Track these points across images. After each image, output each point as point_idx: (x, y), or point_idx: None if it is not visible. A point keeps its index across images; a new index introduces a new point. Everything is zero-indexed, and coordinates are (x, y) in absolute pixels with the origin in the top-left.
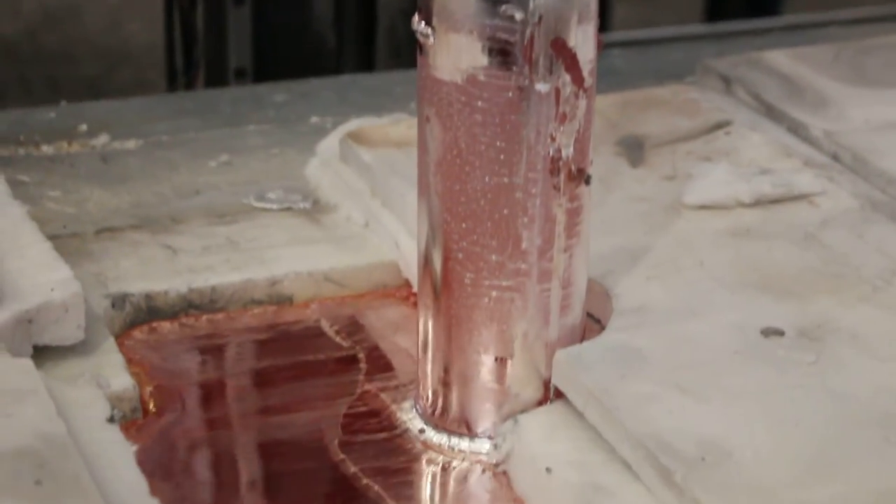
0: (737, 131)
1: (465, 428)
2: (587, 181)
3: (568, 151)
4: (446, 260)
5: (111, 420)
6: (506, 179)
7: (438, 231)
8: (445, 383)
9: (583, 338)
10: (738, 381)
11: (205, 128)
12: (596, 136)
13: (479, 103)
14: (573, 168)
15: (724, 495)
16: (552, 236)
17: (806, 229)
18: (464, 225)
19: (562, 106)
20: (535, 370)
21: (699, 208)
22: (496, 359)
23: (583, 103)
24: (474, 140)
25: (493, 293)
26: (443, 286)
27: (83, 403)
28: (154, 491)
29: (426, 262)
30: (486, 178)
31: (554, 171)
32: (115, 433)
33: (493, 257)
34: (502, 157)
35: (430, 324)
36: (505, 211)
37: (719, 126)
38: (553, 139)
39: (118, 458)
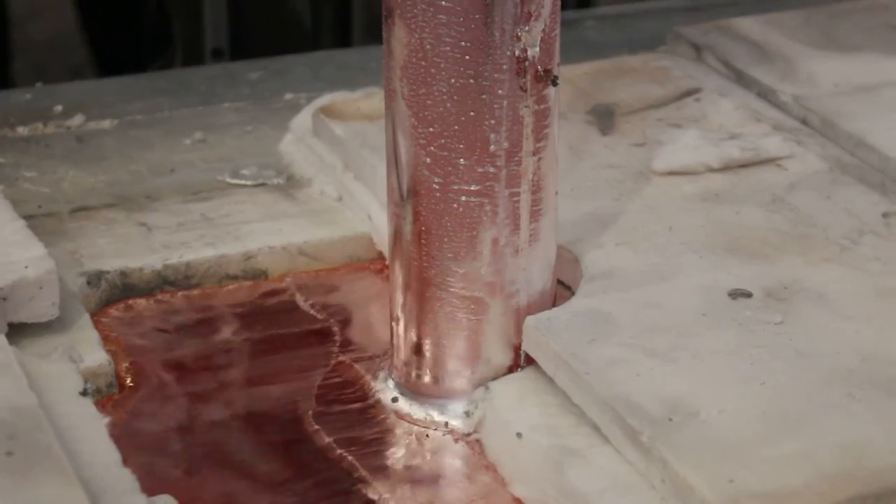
0: (706, 97)
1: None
2: (554, 82)
3: (534, 52)
4: (415, 167)
5: (84, 393)
6: (472, 81)
7: (406, 137)
8: (418, 348)
9: (553, 304)
10: (705, 342)
11: (179, 106)
12: (567, 104)
13: (443, 2)
14: (540, 69)
15: (690, 454)
16: (520, 139)
17: (774, 192)
18: (431, 129)
19: (526, 5)
20: (504, 276)
21: (668, 174)
22: (465, 272)
23: (548, 2)
24: (439, 41)
25: (463, 198)
26: (412, 194)
27: (56, 377)
28: (127, 462)
29: (396, 172)
30: (452, 80)
31: (520, 72)
32: (87, 406)
33: (462, 161)
34: (467, 57)
35: (400, 251)
36: (472, 113)
37: (689, 93)
38: (518, 39)
39: (90, 430)
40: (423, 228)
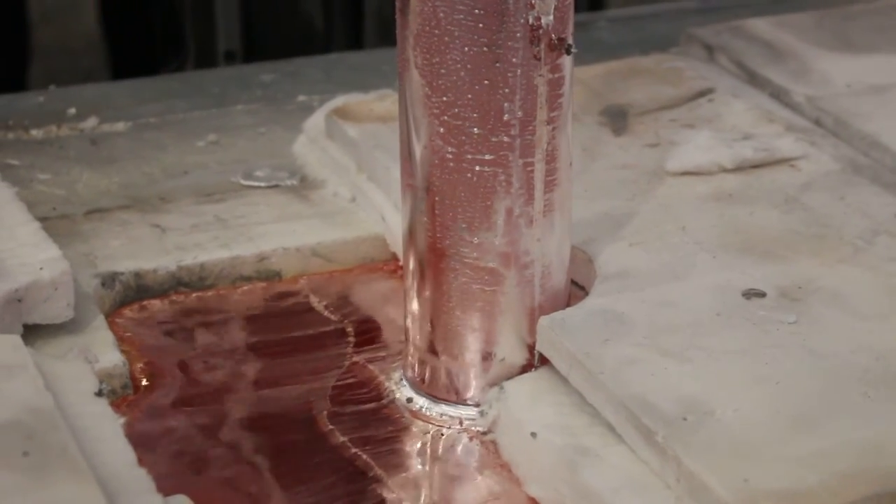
0: (719, 98)
1: (453, 395)
2: (568, 51)
3: (548, 20)
4: (428, 137)
5: (99, 394)
6: (485, 49)
7: (419, 107)
8: (433, 324)
9: (567, 304)
10: (720, 342)
11: (192, 108)
12: (579, 105)
13: None
14: (554, 37)
15: (705, 454)
16: (534, 108)
17: (787, 192)
18: (444, 98)
19: None
20: (518, 247)
21: (682, 174)
22: (479, 242)
23: None
24: (452, 9)
25: (476, 168)
26: (426, 164)
27: (71, 378)
28: (142, 463)
29: (408, 143)
30: (465, 49)
31: (534, 40)
32: (103, 406)
33: (475, 130)
34: (481, 25)
35: (413, 222)
36: (485, 82)
37: (702, 94)
38: (532, 6)
39: (106, 430)
40: (436, 199)
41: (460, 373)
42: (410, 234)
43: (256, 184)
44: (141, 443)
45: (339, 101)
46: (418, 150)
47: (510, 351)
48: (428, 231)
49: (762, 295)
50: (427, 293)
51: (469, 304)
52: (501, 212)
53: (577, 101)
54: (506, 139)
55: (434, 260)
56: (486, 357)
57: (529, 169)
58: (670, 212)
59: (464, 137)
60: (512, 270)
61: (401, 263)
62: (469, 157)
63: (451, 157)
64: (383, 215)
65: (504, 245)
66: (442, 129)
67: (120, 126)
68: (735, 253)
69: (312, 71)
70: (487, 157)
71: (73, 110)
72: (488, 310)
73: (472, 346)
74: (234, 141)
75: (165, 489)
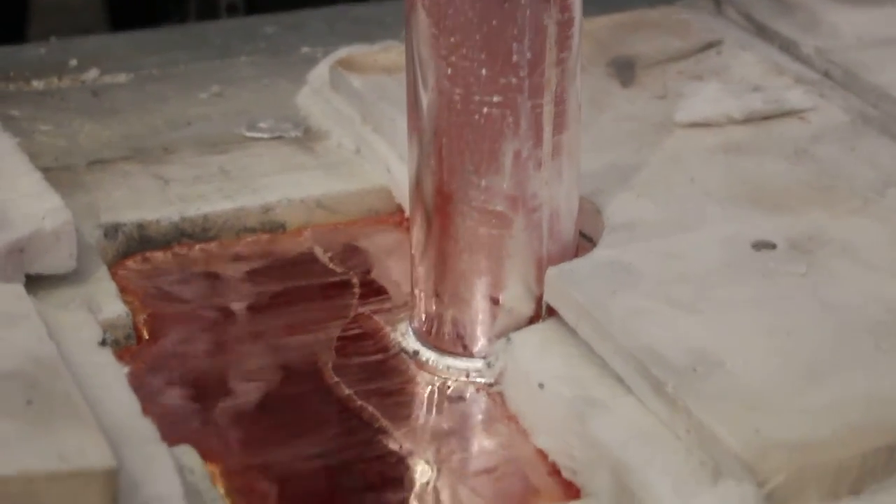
0: (728, 50)
1: (459, 346)
2: None
3: None
4: (436, 79)
5: (103, 343)
6: None
7: (426, 47)
8: (440, 269)
9: (576, 255)
10: (729, 293)
11: (195, 60)
12: (586, 57)
13: None
14: None
15: (715, 404)
16: (543, 49)
17: (797, 144)
18: (452, 39)
19: None
20: (526, 190)
21: (690, 126)
22: (487, 185)
23: None
24: None
25: (484, 110)
26: (433, 106)
27: (75, 327)
28: (146, 412)
29: (415, 85)
30: None
31: None
32: (106, 356)
33: (483, 71)
34: None
35: (420, 166)
36: (494, 22)
37: (710, 45)
38: None
39: (110, 379)
40: (444, 142)
41: (467, 321)
42: (417, 179)
43: (260, 135)
44: (145, 392)
45: (343, 52)
46: (425, 93)
47: (517, 300)
48: (435, 175)
49: (772, 246)
50: (434, 238)
51: (476, 248)
52: (509, 154)
53: (584, 53)
54: (514, 80)
55: (441, 204)
56: (493, 303)
57: (538, 111)
58: (678, 163)
59: (472, 79)
60: (519, 214)
61: (406, 215)
62: (477, 98)
63: (458, 99)
64: (388, 166)
65: (511, 188)
66: (449, 71)
67: (122, 78)
68: (744, 204)
69: (316, 23)
70: (495, 98)
71: (74, 62)
72: (496, 253)
73: (479, 292)
74: (238, 92)
75: (170, 439)
